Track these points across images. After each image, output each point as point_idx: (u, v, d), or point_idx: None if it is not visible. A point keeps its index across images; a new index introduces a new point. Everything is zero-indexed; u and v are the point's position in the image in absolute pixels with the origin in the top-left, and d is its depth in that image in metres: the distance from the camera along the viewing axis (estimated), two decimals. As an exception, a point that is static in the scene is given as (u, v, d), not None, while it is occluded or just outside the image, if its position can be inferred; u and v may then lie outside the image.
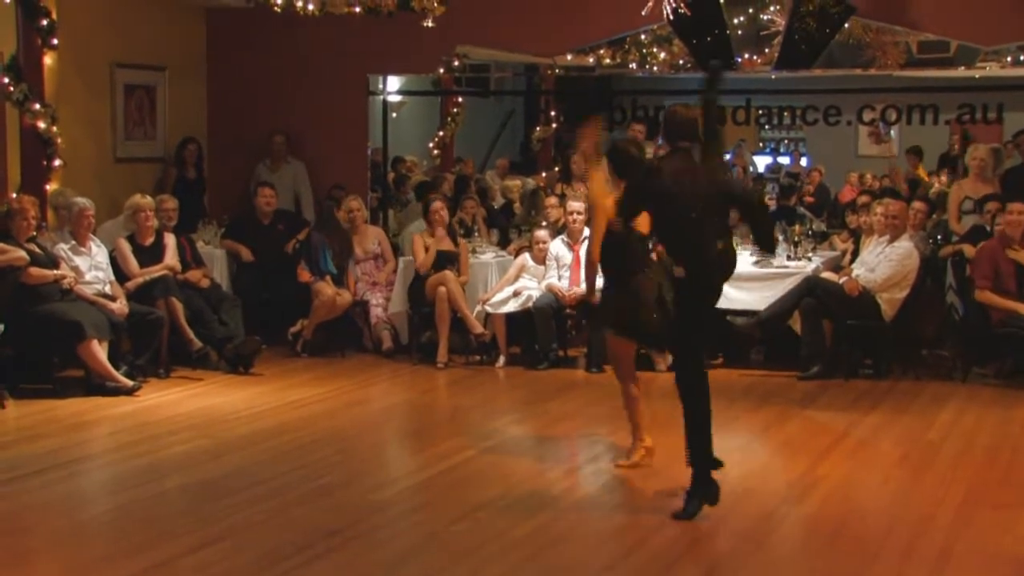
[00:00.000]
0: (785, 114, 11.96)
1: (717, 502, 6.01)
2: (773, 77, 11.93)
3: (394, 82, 13.31)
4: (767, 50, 11.12)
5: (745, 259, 10.10)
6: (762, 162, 19.82)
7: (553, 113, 15.06)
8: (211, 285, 10.03)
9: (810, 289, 9.57)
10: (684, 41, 10.91)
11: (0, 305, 8.22)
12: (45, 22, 10.05)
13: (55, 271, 8.77)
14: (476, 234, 11.30)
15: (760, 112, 12.01)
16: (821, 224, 12.73)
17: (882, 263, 9.50)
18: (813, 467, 6.97)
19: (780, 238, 10.50)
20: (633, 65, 11.76)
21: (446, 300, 9.95)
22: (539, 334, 9.91)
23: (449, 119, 13.88)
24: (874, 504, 6.47)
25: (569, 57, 11.72)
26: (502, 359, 10.06)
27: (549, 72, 12.77)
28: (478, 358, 10.19)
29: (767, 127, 19.22)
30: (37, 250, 8.78)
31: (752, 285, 9.84)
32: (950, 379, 9.51)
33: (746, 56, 11.18)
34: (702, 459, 6.07)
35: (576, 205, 9.97)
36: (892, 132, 18.24)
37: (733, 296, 9.80)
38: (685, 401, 6.16)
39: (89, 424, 8.02)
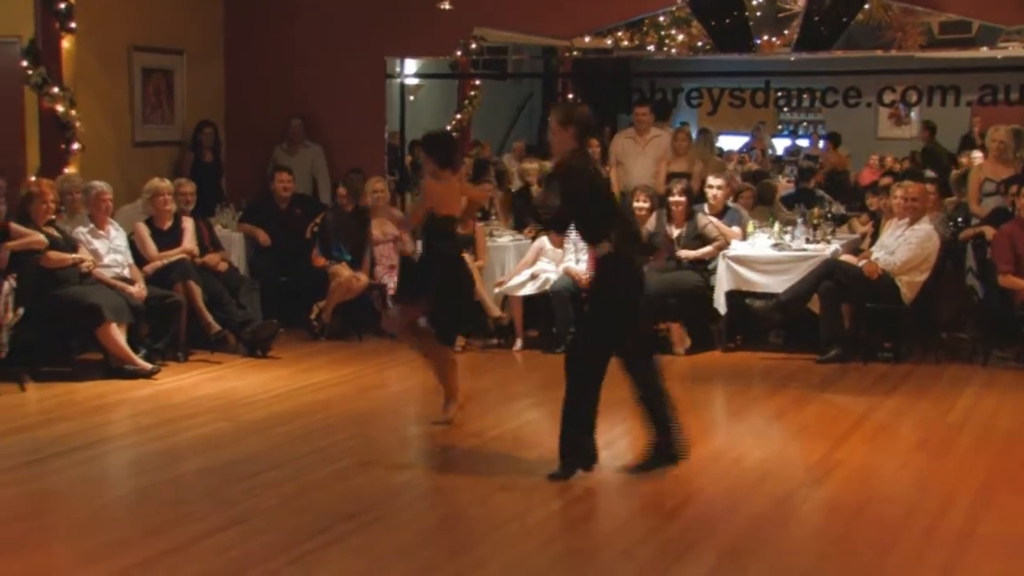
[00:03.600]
0: (804, 96, 11.89)
1: (593, 465, 6.30)
2: (792, 59, 11.86)
3: (411, 65, 13.27)
4: (786, 31, 11.06)
5: (764, 242, 10.08)
6: (781, 144, 19.73)
7: (571, 96, 15.01)
8: (229, 269, 10.03)
9: (829, 272, 9.51)
10: (702, 23, 10.86)
11: (20, 289, 8.25)
12: (63, 5, 10.06)
13: (74, 255, 8.79)
14: (493, 217, 11.28)
15: (779, 94, 11.96)
16: (840, 207, 12.67)
17: (902, 246, 9.45)
18: (832, 451, 6.94)
19: (799, 220, 10.47)
20: (651, 47, 11.70)
21: (463, 283, 9.92)
22: (556, 317, 9.89)
23: (466, 102, 13.83)
24: (893, 488, 6.44)
25: (587, 39, 11.68)
26: (519, 342, 10.05)
27: (567, 54, 12.72)
28: (495, 342, 10.18)
29: (786, 109, 19.14)
30: (56, 234, 8.81)
31: (771, 268, 9.80)
32: (970, 362, 9.45)
33: (765, 38, 11.11)
34: (573, 436, 6.28)
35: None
36: (913, 114, 18.12)
37: (752, 279, 9.79)
38: (572, 380, 6.31)
39: (108, 407, 8.05)
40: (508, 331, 10.12)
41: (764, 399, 8.31)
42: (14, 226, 8.46)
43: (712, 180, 10.37)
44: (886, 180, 10.85)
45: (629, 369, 6.40)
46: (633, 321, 6.35)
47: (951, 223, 10.26)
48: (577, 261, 9.91)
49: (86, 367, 8.88)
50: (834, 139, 16.19)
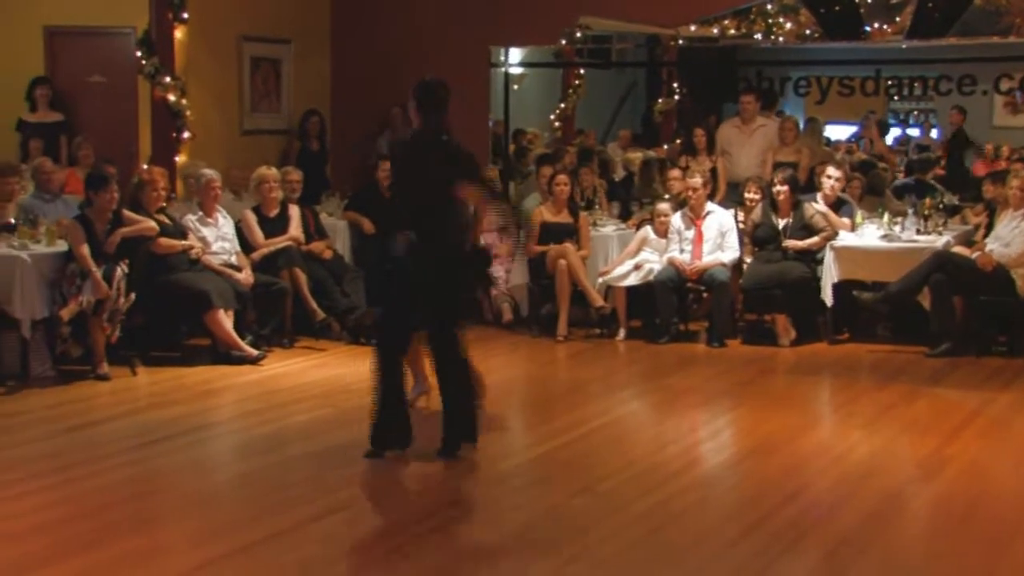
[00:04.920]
0: (916, 85, 11.63)
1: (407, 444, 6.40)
2: (904, 47, 11.59)
3: (515, 54, 13.27)
4: (898, 18, 10.81)
5: (873, 232, 9.87)
6: (890, 134, 19.32)
7: (675, 85, 14.91)
8: (334, 257, 10.13)
9: (940, 264, 9.28)
10: (811, 10, 10.68)
11: (131, 275, 8.42)
12: (176, -3, 10.30)
13: (183, 241, 8.96)
14: (597, 207, 11.23)
15: (890, 83, 11.71)
16: (953, 198, 12.36)
17: (1017, 237, 9.19)
18: (942, 446, 6.77)
19: (910, 211, 10.24)
20: (758, 36, 11.53)
21: (566, 273, 9.91)
22: (660, 308, 9.82)
23: (570, 91, 13.80)
24: (1007, 486, 6.26)
25: (693, 28, 11.56)
26: (622, 332, 9.99)
27: (672, 43, 12.60)
28: (598, 331, 10.14)
29: (896, 98, 18.76)
30: (166, 221, 8.98)
31: (880, 259, 9.59)
32: (1089, 358, 9.17)
33: (876, 25, 10.88)
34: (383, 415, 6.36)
35: (694, 181, 9.90)
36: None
37: (861, 269, 9.60)
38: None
39: (216, 392, 8.19)
40: (611, 321, 10.07)
41: (872, 392, 8.15)
42: (127, 213, 8.65)
43: (831, 171, 10.15)
44: (1017, 165, 10.51)
45: (430, 343, 6.52)
46: (426, 298, 6.43)
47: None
48: (681, 251, 9.82)
49: (194, 352, 9.05)
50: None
